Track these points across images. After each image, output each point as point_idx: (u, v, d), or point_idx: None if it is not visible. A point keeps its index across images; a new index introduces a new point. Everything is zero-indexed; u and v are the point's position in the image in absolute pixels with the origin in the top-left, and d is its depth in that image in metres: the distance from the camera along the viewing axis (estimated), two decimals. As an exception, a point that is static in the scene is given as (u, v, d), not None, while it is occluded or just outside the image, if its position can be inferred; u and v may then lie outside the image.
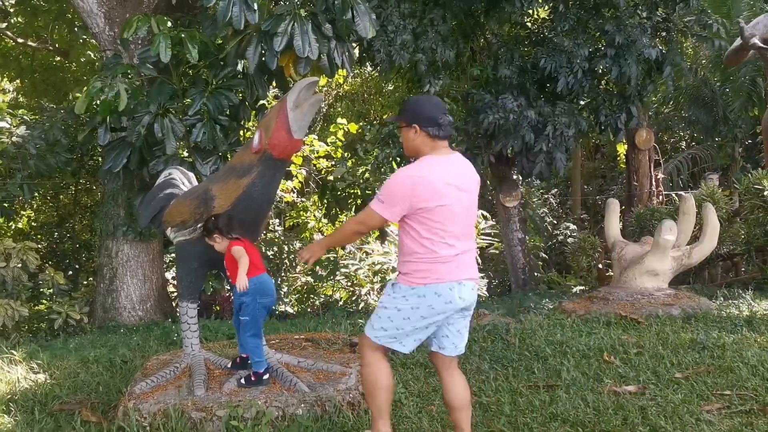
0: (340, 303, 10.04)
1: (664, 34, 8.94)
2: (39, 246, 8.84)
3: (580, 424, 3.84)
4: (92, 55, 12.62)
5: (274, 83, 7.40)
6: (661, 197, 11.34)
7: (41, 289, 8.92)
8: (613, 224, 7.61)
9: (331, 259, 10.34)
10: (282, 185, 10.97)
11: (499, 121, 8.33)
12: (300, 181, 12.48)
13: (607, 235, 7.63)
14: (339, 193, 12.35)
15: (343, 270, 10.13)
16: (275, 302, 4.78)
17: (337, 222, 12.42)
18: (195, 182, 4.97)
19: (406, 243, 3.26)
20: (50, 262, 10.36)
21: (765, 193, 8.50)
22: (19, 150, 8.97)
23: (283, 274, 10.71)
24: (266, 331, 5.16)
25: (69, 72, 13.13)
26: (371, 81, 15.06)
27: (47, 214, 12.36)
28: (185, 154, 7.52)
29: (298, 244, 10.69)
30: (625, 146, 12.14)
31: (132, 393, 4.14)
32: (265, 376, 4.17)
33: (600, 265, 11.06)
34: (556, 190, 16.24)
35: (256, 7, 6.00)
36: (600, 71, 8.66)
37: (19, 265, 7.91)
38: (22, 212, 11.85)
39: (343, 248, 10.81)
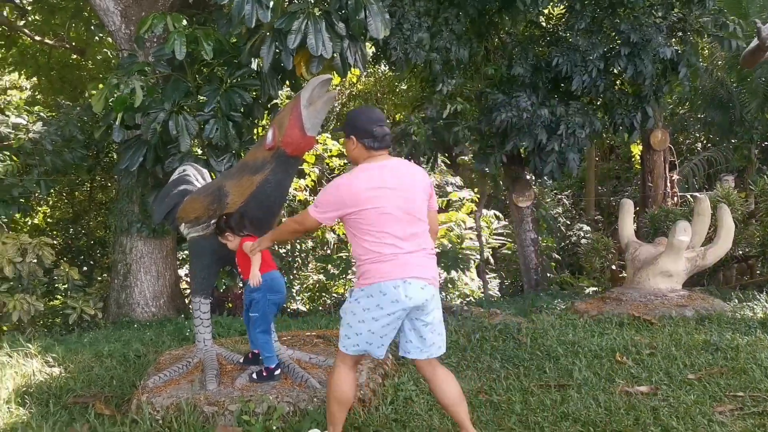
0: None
1: (680, 34, 8.88)
2: (54, 242, 8.92)
3: (591, 423, 3.83)
4: (108, 53, 12.71)
5: (287, 82, 7.43)
6: (675, 198, 11.27)
7: (56, 285, 9.00)
8: (627, 225, 7.57)
9: (344, 257, 10.37)
10: (295, 184, 10.99)
11: (511, 120, 8.32)
12: (313, 180, 12.49)
13: (621, 236, 7.59)
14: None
15: (355, 269, 10.14)
16: (285, 299, 4.80)
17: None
18: (209, 179, 5.00)
19: (353, 248, 3.39)
20: (65, 258, 10.44)
21: (781, 194, 8.43)
22: (35, 146, 9.06)
23: (295, 272, 10.75)
24: (278, 327, 5.18)
25: (85, 70, 13.22)
26: (384, 80, 15.06)
27: (63, 210, 12.46)
28: (199, 151, 7.57)
29: (310, 243, 10.72)
30: (640, 147, 12.07)
31: (145, 387, 4.18)
32: (277, 372, 4.19)
33: (613, 266, 11.00)
34: (569, 190, 16.18)
35: (271, 4, 6.02)
36: (615, 71, 8.61)
37: (35, 261, 7.99)
38: (38, 208, 11.95)
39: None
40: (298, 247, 10.59)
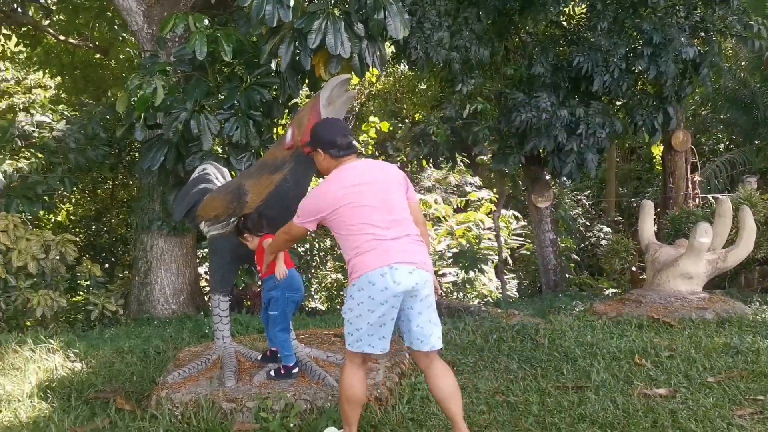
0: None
1: (702, 34, 8.80)
2: (77, 239, 9.02)
3: (609, 425, 3.81)
4: (131, 53, 12.84)
5: (306, 82, 7.47)
6: (697, 200, 11.15)
7: (78, 281, 9.11)
8: (648, 226, 7.51)
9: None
10: (313, 183, 11.05)
11: (531, 120, 8.30)
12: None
13: (641, 237, 7.53)
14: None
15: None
16: (303, 298, 4.84)
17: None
18: (229, 177, 5.05)
19: (341, 247, 3.46)
20: (87, 255, 10.59)
21: (805, 197, 8.32)
22: (59, 144, 9.19)
23: (313, 271, 10.79)
24: (296, 326, 5.21)
25: (108, 69, 13.38)
26: (404, 80, 15.07)
27: (85, 208, 12.63)
28: (219, 150, 7.63)
29: (328, 242, 10.76)
30: (662, 148, 11.96)
31: (165, 383, 4.23)
32: (295, 370, 4.23)
33: (633, 268, 10.92)
34: (589, 191, 16.08)
35: (291, 4, 6.06)
36: (636, 71, 8.55)
37: (58, 258, 8.10)
38: (62, 206, 12.12)
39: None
40: (317, 246, 10.63)
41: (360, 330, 3.33)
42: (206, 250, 9.47)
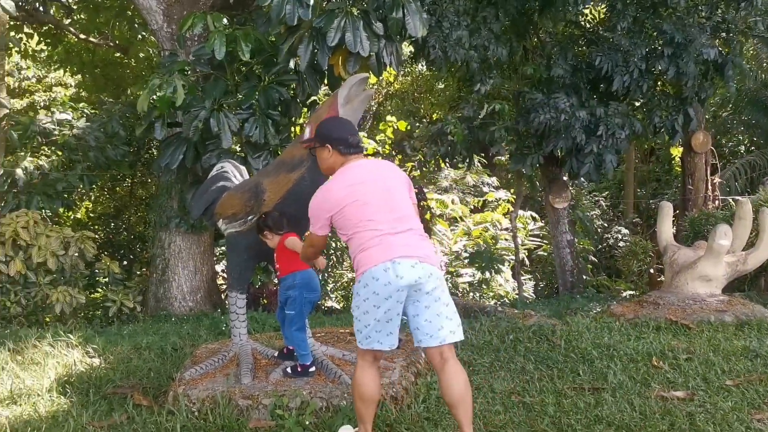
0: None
1: (723, 35, 8.71)
2: (96, 236, 9.12)
3: (625, 427, 3.79)
4: (150, 52, 12.94)
5: (325, 81, 7.48)
6: (717, 202, 11.05)
7: (97, 278, 9.19)
8: (666, 228, 7.45)
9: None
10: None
11: (550, 121, 8.26)
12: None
13: (660, 239, 7.47)
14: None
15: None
16: (320, 297, 4.85)
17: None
18: (247, 175, 5.08)
19: (348, 247, 3.47)
20: (106, 252, 10.68)
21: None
22: (79, 142, 9.29)
23: (329, 270, 10.81)
24: (312, 324, 5.22)
25: (128, 68, 13.49)
26: (421, 79, 15.06)
27: (104, 205, 12.74)
28: (237, 148, 7.67)
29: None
30: (681, 149, 11.86)
31: (182, 379, 4.26)
32: (311, 369, 4.24)
33: (651, 270, 10.84)
34: (607, 192, 15.98)
35: (311, 2, 6.08)
36: (656, 71, 8.49)
37: (77, 254, 8.18)
38: (81, 203, 12.24)
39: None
40: (333, 245, 10.64)
41: (368, 327, 3.34)
42: (224, 247, 9.54)
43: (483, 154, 12.02)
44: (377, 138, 12.73)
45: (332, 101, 4.04)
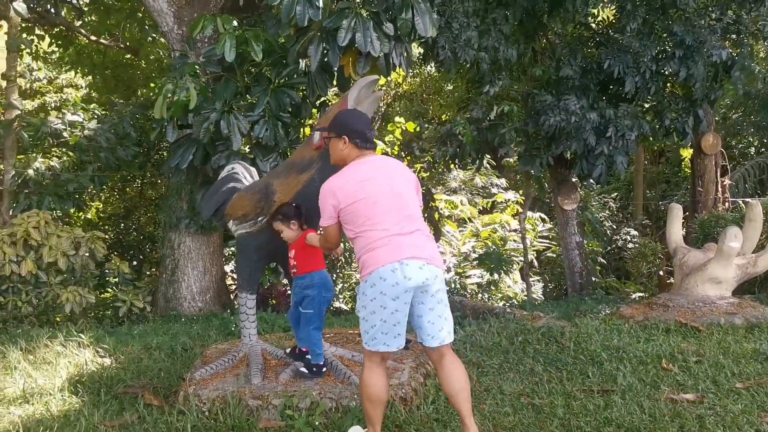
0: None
1: (734, 36, 8.68)
2: (106, 236, 9.17)
3: (635, 430, 3.79)
4: (160, 53, 13.01)
5: (334, 81, 7.50)
6: (727, 204, 11.00)
7: (107, 278, 9.24)
8: (676, 229, 7.42)
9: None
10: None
11: (560, 123, 8.25)
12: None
13: (669, 241, 7.45)
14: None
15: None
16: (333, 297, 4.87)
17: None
18: (257, 177, 5.10)
19: (353, 246, 3.48)
20: (116, 253, 10.74)
21: (838, 201, 8.16)
22: (90, 143, 9.35)
23: (338, 271, 10.83)
24: (322, 325, 5.24)
25: (138, 69, 13.56)
26: (430, 81, 15.07)
27: (114, 206, 12.81)
28: (246, 150, 7.70)
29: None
30: (691, 151, 11.82)
31: (192, 379, 4.29)
32: (324, 369, 4.26)
33: (661, 272, 10.80)
34: (616, 194, 15.93)
35: (321, 4, 6.09)
36: (667, 73, 8.47)
37: (87, 254, 8.23)
38: (91, 204, 12.30)
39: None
40: (341, 246, 10.66)
41: (374, 327, 3.35)
42: (233, 248, 9.57)
43: (491, 156, 12.00)
44: (386, 139, 12.73)
45: (342, 103, 4.06)
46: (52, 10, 11.09)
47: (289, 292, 8.78)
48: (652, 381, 4.64)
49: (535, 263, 12.93)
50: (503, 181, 14.45)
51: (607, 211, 14.70)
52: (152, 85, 12.59)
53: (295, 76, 7.17)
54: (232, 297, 9.36)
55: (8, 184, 8.91)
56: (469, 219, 12.95)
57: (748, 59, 8.51)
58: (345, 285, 10.97)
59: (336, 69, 6.73)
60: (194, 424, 3.87)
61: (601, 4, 8.64)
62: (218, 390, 4.11)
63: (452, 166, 9.80)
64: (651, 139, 9.41)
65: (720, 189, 10.92)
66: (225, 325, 6.89)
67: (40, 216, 8.11)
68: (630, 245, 13.04)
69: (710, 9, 8.52)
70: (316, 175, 4.17)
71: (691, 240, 9.30)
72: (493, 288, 11.26)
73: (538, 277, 12.93)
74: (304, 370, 4.24)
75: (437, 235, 10.79)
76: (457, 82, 12.17)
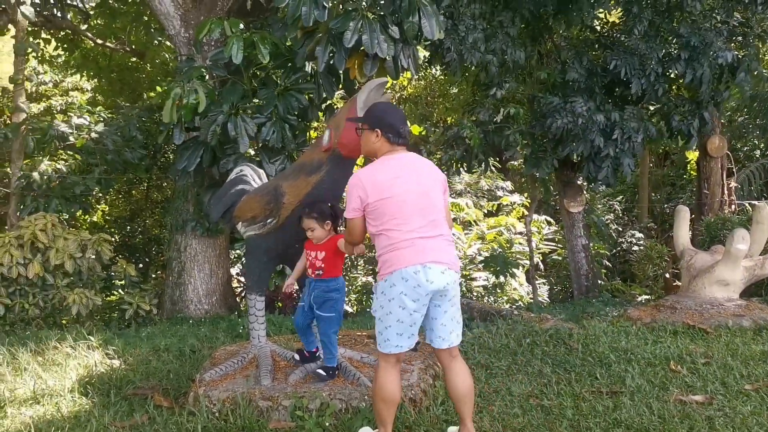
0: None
1: (740, 38, 8.69)
2: (112, 239, 9.19)
3: (644, 431, 3.79)
4: (166, 57, 13.05)
5: (340, 84, 7.52)
6: (733, 206, 10.99)
7: (113, 281, 9.26)
8: (683, 231, 7.42)
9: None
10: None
11: (567, 125, 8.25)
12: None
13: (677, 243, 7.45)
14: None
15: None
16: None
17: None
18: (266, 179, 5.11)
19: (375, 242, 3.47)
20: (122, 255, 10.77)
21: None
22: (97, 145, 9.38)
23: (344, 274, 10.84)
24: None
25: (144, 72, 13.61)
26: (435, 84, 15.09)
27: (120, 208, 12.85)
28: (251, 152, 7.72)
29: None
30: (696, 153, 11.81)
31: (202, 380, 4.29)
32: (337, 371, 4.26)
33: (667, 275, 10.79)
34: (621, 197, 15.92)
35: (327, 4, 6.11)
36: (673, 75, 8.47)
37: (94, 257, 8.25)
38: (97, 206, 12.34)
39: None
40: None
41: (389, 328, 3.36)
42: (239, 251, 9.59)
43: (496, 159, 12.01)
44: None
45: (351, 106, 4.06)
46: (59, 14, 11.14)
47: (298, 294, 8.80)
48: (661, 382, 4.64)
49: (541, 266, 12.92)
50: (508, 184, 14.45)
51: (612, 214, 14.70)
52: (159, 88, 12.64)
53: (300, 81, 7.19)
54: (237, 300, 9.38)
55: (15, 186, 8.95)
56: (474, 222, 12.95)
57: (754, 61, 8.51)
58: (350, 288, 10.98)
59: (342, 72, 6.75)
60: (205, 424, 3.88)
61: (608, 6, 8.63)
62: (228, 391, 4.12)
63: (460, 168, 9.79)
64: (657, 141, 9.40)
65: (726, 191, 10.91)
66: (233, 328, 6.90)
67: (47, 219, 8.15)
68: (635, 248, 13.03)
69: (716, 11, 8.52)
70: (326, 177, 4.18)
71: (697, 242, 9.29)
72: (498, 291, 11.26)
73: (544, 280, 12.93)
74: (321, 372, 4.22)
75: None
76: (462, 85, 12.18)
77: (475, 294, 11.19)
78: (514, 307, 9.68)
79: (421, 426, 3.86)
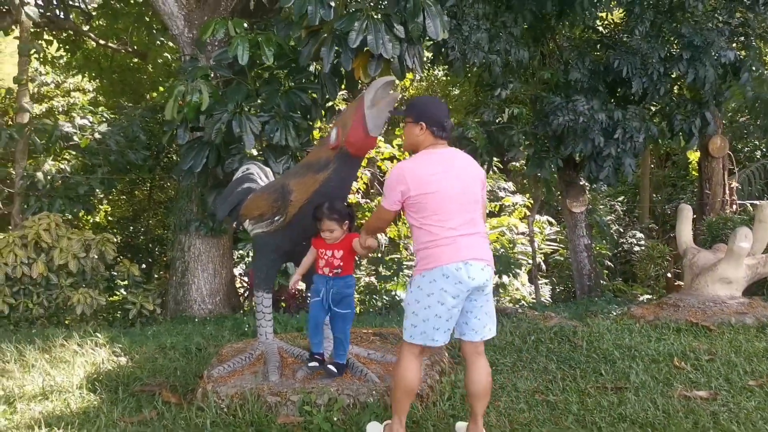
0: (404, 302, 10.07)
1: (742, 39, 8.73)
2: (115, 239, 9.22)
3: (650, 425, 3.82)
4: (168, 57, 13.09)
5: (343, 85, 7.55)
6: (734, 206, 11.03)
7: (116, 281, 9.28)
8: (686, 230, 7.46)
9: (395, 260, 10.45)
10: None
11: (568, 124, 8.29)
12: (365, 183, 12.62)
13: (679, 242, 7.49)
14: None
15: (406, 271, 10.22)
16: None
17: (399, 223, 12.50)
18: (272, 177, 5.14)
19: (413, 234, 3.48)
20: (125, 256, 10.79)
21: None
22: (100, 146, 9.42)
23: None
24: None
25: (145, 73, 13.65)
26: (437, 84, 15.12)
27: (123, 209, 12.88)
28: (254, 152, 7.74)
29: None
30: (698, 154, 11.85)
31: (210, 376, 4.32)
32: (345, 368, 4.28)
33: (668, 274, 10.82)
34: (623, 197, 15.95)
35: (333, 3, 6.13)
36: (675, 75, 8.51)
37: (97, 256, 8.28)
38: (100, 206, 12.37)
39: (406, 249, 10.98)
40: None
41: (426, 321, 3.37)
42: (241, 251, 9.61)
43: (499, 159, 12.04)
44: (394, 143, 12.77)
45: (358, 104, 4.08)
46: (61, 15, 11.17)
47: (301, 293, 8.81)
48: (665, 378, 4.68)
49: (543, 266, 12.95)
50: (510, 185, 14.48)
51: (613, 215, 14.73)
52: (161, 89, 12.67)
53: (303, 81, 7.22)
54: (241, 300, 9.40)
55: (19, 186, 8.98)
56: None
57: (756, 62, 8.55)
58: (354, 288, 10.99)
59: (346, 72, 6.76)
60: (213, 419, 3.91)
61: (610, 6, 8.67)
62: (236, 387, 4.14)
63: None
64: (659, 141, 9.42)
65: (728, 191, 10.95)
66: (238, 326, 6.93)
67: (51, 218, 8.18)
68: (636, 248, 13.06)
69: (718, 11, 8.56)
70: (333, 175, 4.20)
71: (699, 242, 9.31)
72: (501, 291, 11.29)
73: (546, 280, 12.95)
74: (332, 368, 4.23)
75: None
76: (465, 86, 12.21)
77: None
78: (517, 306, 9.71)
79: (429, 421, 3.89)
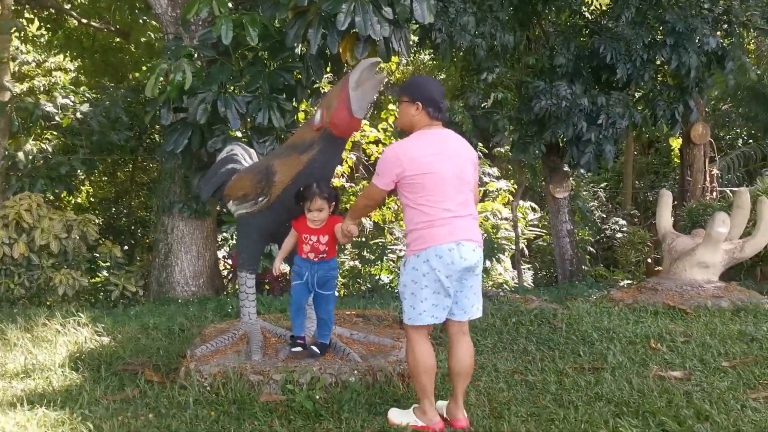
0: (388, 286, 10.14)
1: (725, 26, 8.81)
2: (97, 220, 9.16)
3: (624, 404, 3.89)
4: (151, 36, 12.93)
5: (327, 68, 7.52)
6: (714, 193, 11.17)
7: (98, 262, 9.23)
8: (665, 216, 7.55)
9: (380, 244, 10.49)
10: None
11: (551, 108, 8.33)
12: (350, 166, 12.62)
13: (659, 227, 7.59)
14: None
15: (390, 255, 10.27)
16: None
17: (384, 207, 12.53)
18: (256, 158, 5.14)
19: (406, 214, 3.52)
20: (107, 237, 10.73)
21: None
22: (82, 126, 9.33)
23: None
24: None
25: (128, 53, 13.49)
26: (423, 68, 15.10)
27: (105, 190, 12.77)
28: (239, 134, 7.71)
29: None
30: (680, 141, 11.97)
31: (193, 355, 4.35)
32: (328, 347, 4.32)
33: (649, 260, 10.96)
34: (606, 184, 16.07)
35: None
36: (658, 61, 8.58)
37: (79, 237, 8.23)
38: (82, 187, 12.26)
39: (391, 233, 11.02)
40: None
41: (424, 301, 3.42)
42: (225, 233, 9.59)
43: (483, 144, 12.08)
44: (379, 127, 12.76)
45: (343, 85, 4.08)
46: (44, -8, 11.03)
47: (287, 277, 8.81)
48: (641, 359, 4.77)
49: (526, 251, 13.05)
50: (495, 170, 14.54)
51: (596, 201, 14.84)
52: (143, 68, 12.54)
53: (290, 60, 7.19)
54: (224, 282, 9.39)
55: (0, 166, 8.89)
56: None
57: (738, 50, 8.63)
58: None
59: (332, 54, 6.74)
60: (196, 398, 3.94)
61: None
62: (219, 366, 4.17)
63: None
64: (642, 127, 9.51)
65: (708, 178, 11.08)
66: (221, 307, 6.93)
67: (32, 199, 8.11)
68: (619, 235, 13.19)
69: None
70: (317, 156, 4.20)
71: (679, 228, 9.43)
72: (484, 275, 11.37)
73: (529, 265, 13.05)
74: (315, 348, 4.26)
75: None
76: (451, 70, 12.21)
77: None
78: (499, 290, 9.79)
79: (410, 400, 3.93)
